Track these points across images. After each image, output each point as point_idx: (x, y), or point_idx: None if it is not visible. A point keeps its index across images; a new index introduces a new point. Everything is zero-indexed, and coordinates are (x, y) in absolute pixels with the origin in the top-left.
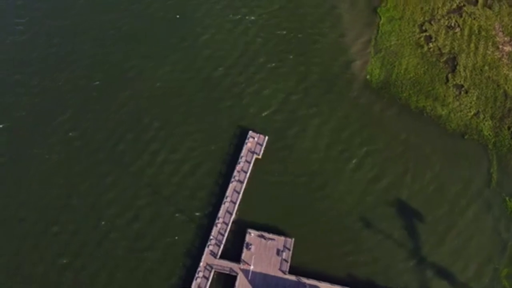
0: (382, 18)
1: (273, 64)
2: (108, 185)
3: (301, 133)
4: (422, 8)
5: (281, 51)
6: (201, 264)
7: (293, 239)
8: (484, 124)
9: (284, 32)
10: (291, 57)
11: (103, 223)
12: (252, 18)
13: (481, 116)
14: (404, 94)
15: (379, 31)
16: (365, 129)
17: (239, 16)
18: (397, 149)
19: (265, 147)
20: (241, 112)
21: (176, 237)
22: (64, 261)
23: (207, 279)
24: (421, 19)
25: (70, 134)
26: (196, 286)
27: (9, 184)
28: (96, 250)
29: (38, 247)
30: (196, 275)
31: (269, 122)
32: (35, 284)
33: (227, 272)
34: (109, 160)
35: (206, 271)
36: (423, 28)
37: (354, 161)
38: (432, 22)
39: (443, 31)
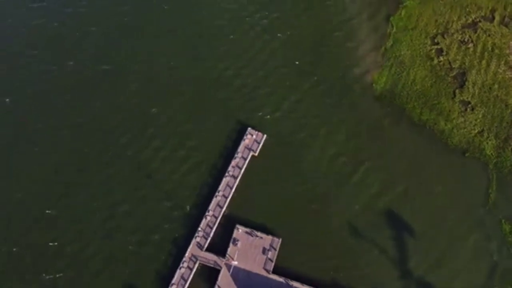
0: (395, 27)
1: (284, 69)
2: (107, 163)
3: (302, 138)
4: (436, 21)
5: (293, 56)
6: (186, 254)
7: (280, 240)
8: (487, 143)
9: (295, 40)
10: (302, 63)
11: (95, 204)
12: (265, 21)
13: (485, 134)
14: (409, 106)
15: (391, 40)
16: (366, 140)
17: (255, 19)
18: (393, 160)
19: (263, 147)
20: (246, 113)
21: (166, 225)
22: (56, 243)
23: (191, 270)
24: (434, 31)
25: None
26: (180, 275)
27: (10, 166)
28: (85, 228)
29: (32, 229)
30: (181, 265)
31: (272, 124)
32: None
33: (211, 265)
34: (112, 146)
35: (191, 262)
36: (435, 40)
37: (351, 171)
38: (445, 36)
39: (456, 46)
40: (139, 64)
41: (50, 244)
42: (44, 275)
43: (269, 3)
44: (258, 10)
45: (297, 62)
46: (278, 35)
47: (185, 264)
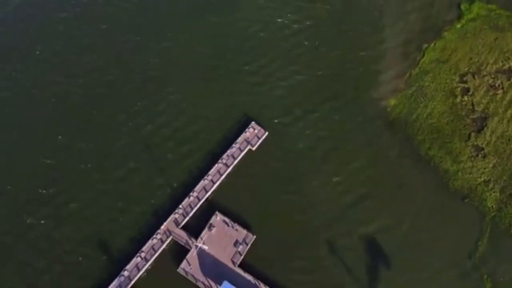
0: (426, 56)
1: (302, 76)
2: (110, 136)
3: (302, 148)
4: (470, 59)
5: (314, 66)
6: (162, 227)
7: (255, 237)
8: (490, 194)
9: (323, 49)
10: (322, 74)
11: (89, 166)
12: (297, 26)
13: (491, 185)
14: (419, 137)
15: (418, 68)
16: (367, 164)
17: (287, 22)
18: (389, 190)
19: (263, 144)
20: (255, 110)
21: (152, 201)
22: (45, 191)
23: (163, 242)
24: (466, 69)
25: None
26: (151, 245)
27: (23, 118)
28: (76, 185)
29: (25, 175)
30: (154, 236)
31: (277, 127)
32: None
33: (182, 244)
34: (120, 113)
35: (164, 235)
36: (464, 79)
37: (342, 192)
38: (476, 76)
39: (484, 89)
40: (166, 41)
41: (40, 190)
42: (26, 217)
43: (306, 9)
44: (293, 14)
45: (319, 72)
46: (305, 43)
47: (158, 236)
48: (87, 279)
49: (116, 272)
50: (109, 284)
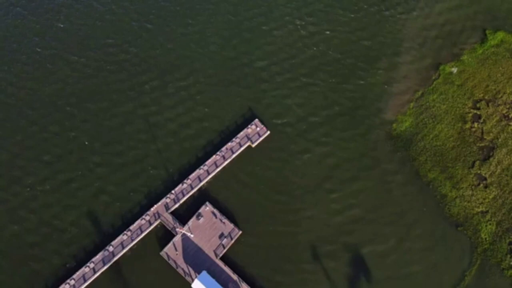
0: (441, 76)
1: (311, 80)
2: (116, 113)
3: (301, 153)
4: (487, 86)
5: (325, 71)
6: (152, 209)
7: (241, 232)
8: (486, 226)
9: (339, 56)
10: (332, 82)
11: (86, 143)
12: (314, 29)
13: (488, 217)
14: (421, 158)
15: (431, 88)
16: (363, 177)
17: (305, 25)
18: (382, 206)
19: (263, 143)
20: (261, 107)
21: (146, 182)
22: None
23: (150, 224)
24: (481, 95)
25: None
26: (138, 225)
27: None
28: (76, 155)
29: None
30: (143, 217)
31: (280, 128)
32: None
33: (169, 228)
34: (131, 91)
35: (153, 217)
36: (477, 105)
37: (334, 201)
38: (490, 104)
39: (496, 118)
40: (185, 28)
41: (41, 157)
42: (23, 179)
43: (326, 16)
44: (312, 18)
45: (331, 80)
46: (320, 48)
47: (147, 218)
48: (73, 246)
49: (102, 244)
50: (94, 255)
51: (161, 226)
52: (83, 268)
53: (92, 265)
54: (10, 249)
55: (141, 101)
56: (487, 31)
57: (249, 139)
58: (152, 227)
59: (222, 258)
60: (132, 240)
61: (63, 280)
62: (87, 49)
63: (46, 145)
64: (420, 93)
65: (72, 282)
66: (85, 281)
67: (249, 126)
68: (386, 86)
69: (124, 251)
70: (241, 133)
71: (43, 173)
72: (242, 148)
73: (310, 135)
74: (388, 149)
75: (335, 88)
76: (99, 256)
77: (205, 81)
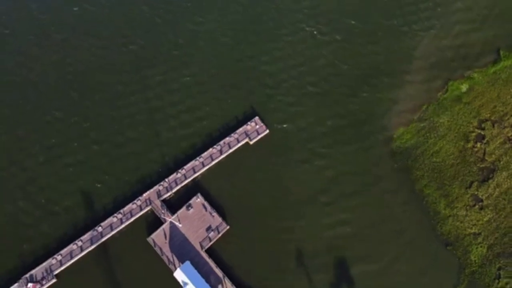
0: (449, 92)
1: (317, 89)
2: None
3: (299, 158)
4: (495, 107)
5: (332, 81)
6: (144, 195)
7: (228, 227)
8: (477, 248)
9: (348, 67)
10: (337, 91)
11: (88, 124)
12: (325, 38)
13: (479, 239)
14: (418, 172)
15: (436, 103)
16: (357, 188)
17: (317, 32)
18: (374, 219)
19: (261, 141)
20: (263, 109)
21: (142, 168)
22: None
23: (141, 209)
24: (487, 115)
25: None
26: (129, 209)
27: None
28: (75, 140)
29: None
30: (134, 201)
31: (280, 131)
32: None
33: (158, 216)
34: (135, 84)
35: (144, 203)
36: (482, 125)
37: (326, 213)
38: (495, 125)
39: (500, 140)
40: (195, 25)
41: (42, 140)
42: (23, 160)
43: (339, 25)
44: (325, 27)
45: (339, 91)
46: (330, 57)
47: (138, 203)
48: (64, 223)
49: (92, 224)
50: (82, 234)
51: (151, 213)
52: (71, 245)
53: (80, 243)
54: (2, 224)
55: (145, 94)
56: (501, 51)
57: (247, 135)
58: (142, 212)
59: (207, 251)
60: (122, 223)
61: (51, 254)
62: (96, 37)
63: (48, 129)
64: (425, 107)
65: (59, 257)
66: (71, 257)
67: (248, 123)
68: (392, 102)
69: (113, 233)
70: (240, 129)
71: (42, 156)
72: (240, 144)
73: (311, 144)
74: (385, 161)
75: (341, 99)
76: (87, 236)
77: (210, 80)
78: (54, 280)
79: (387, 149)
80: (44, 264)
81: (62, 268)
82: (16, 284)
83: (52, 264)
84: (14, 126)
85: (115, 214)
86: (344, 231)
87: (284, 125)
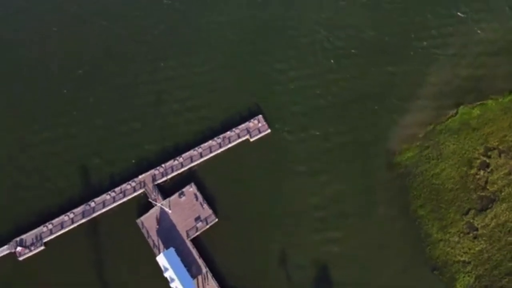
0: (459, 115)
1: (325, 102)
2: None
3: (299, 166)
4: (505, 136)
5: (340, 89)
6: (139, 177)
7: (217, 220)
8: (464, 277)
9: (358, 76)
10: (345, 105)
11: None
12: (339, 45)
13: (468, 268)
14: (415, 192)
15: (444, 124)
16: (354, 201)
17: (332, 37)
18: (364, 236)
19: (262, 140)
20: (267, 108)
21: (140, 150)
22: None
23: (135, 191)
24: (495, 144)
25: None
26: (123, 189)
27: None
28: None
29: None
30: (129, 182)
31: (282, 133)
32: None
33: (150, 199)
34: (146, 66)
35: (138, 185)
36: (489, 153)
37: (320, 212)
38: (502, 155)
39: (505, 170)
40: (209, 18)
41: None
42: (25, 135)
43: (355, 33)
44: (341, 34)
45: (346, 99)
46: (342, 65)
47: (133, 184)
48: (59, 194)
49: (86, 199)
50: (75, 207)
51: (144, 196)
52: (62, 216)
53: (71, 215)
54: (1, 188)
55: (155, 77)
56: None
57: (248, 132)
58: (135, 194)
59: (192, 241)
60: (114, 201)
61: (43, 222)
62: (114, 17)
63: (59, 100)
64: (432, 127)
65: (50, 226)
66: (62, 228)
67: (251, 120)
68: (399, 117)
69: (104, 210)
70: (242, 125)
71: (47, 123)
72: (240, 140)
73: (311, 149)
74: (383, 176)
75: (347, 107)
76: (80, 209)
77: (219, 72)
78: (42, 247)
79: (388, 161)
80: (35, 230)
81: (52, 237)
82: (6, 246)
83: (43, 232)
84: (28, 99)
85: (109, 192)
86: (332, 251)
87: (286, 127)
